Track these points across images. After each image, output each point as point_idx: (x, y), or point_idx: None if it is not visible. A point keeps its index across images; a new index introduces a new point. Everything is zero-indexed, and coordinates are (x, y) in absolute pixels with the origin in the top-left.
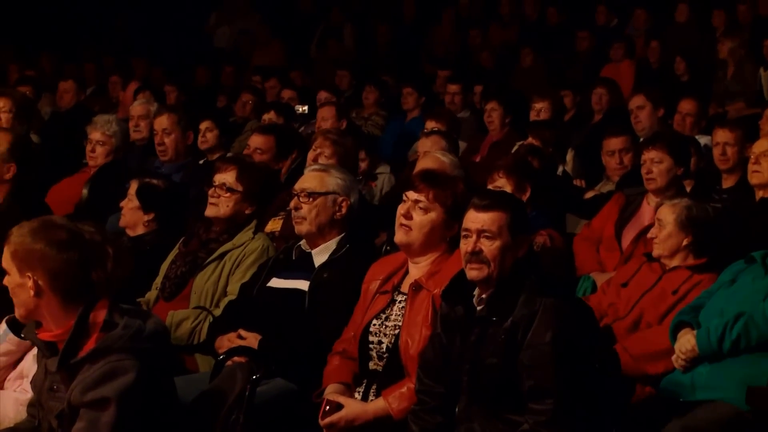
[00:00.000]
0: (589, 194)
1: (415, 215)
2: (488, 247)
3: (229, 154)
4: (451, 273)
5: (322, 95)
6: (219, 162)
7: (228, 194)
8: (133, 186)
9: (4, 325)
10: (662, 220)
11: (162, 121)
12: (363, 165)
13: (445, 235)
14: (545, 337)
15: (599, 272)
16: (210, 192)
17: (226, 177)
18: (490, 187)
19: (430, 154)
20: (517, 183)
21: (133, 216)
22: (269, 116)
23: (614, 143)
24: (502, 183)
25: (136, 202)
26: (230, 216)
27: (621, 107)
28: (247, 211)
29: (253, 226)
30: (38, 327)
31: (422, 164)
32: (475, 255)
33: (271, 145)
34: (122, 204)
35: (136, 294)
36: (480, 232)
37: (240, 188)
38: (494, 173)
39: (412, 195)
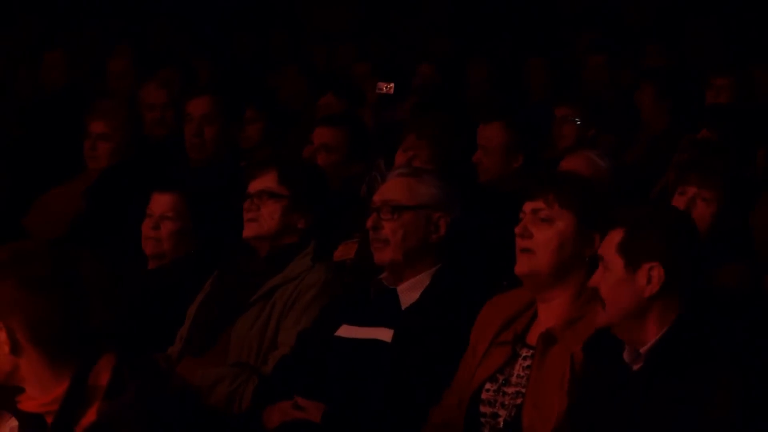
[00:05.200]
0: None
1: (536, 231)
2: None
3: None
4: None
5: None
6: (251, 167)
7: (271, 201)
8: (162, 200)
9: None
10: None
11: (201, 105)
12: None
13: (583, 252)
14: (724, 426)
15: None
16: (246, 206)
17: (266, 182)
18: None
19: (581, 153)
20: (724, 199)
21: (158, 246)
22: (327, 101)
23: None
24: (708, 196)
25: (171, 225)
26: (277, 232)
27: None
28: (299, 224)
29: (310, 251)
30: (19, 393)
31: (566, 166)
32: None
33: (342, 141)
34: (147, 228)
35: (153, 347)
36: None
37: (286, 192)
38: (689, 176)
39: (527, 206)
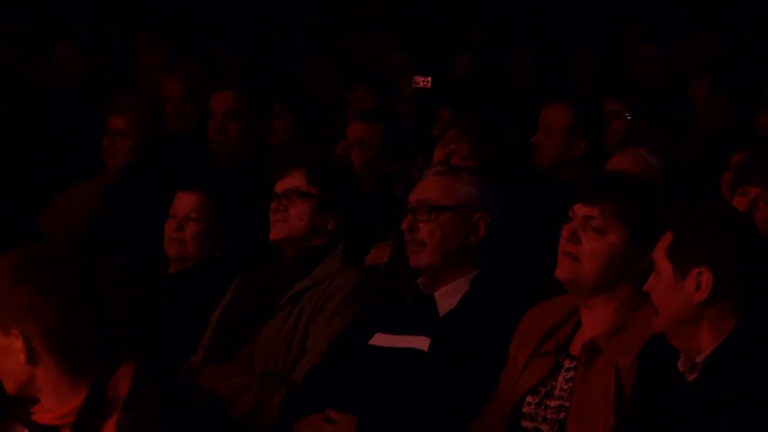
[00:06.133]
0: None
1: (586, 239)
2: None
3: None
4: (646, 330)
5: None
6: (279, 165)
7: (300, 201)
8: (187, 200)
9: None
10: None
11: (225, 99)
12: None
13: (631, 270)
14: None
15: None
16: (273, 206)
17: (294, 181)
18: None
19: (630, 150)
20: None
21: (182, 248)
22: (358, 95)
23: None
24: None
25: (196, 227)
26: (306, 233)
27: None
28: (329, 225)
29: (340, 252)
30: (33, 404)
31: (615, 163)
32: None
33: (378, 136)
34: (170, 230)
35: (175, 356)
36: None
37: (315, 191)
38: (751, 175)
39: (580, 209)
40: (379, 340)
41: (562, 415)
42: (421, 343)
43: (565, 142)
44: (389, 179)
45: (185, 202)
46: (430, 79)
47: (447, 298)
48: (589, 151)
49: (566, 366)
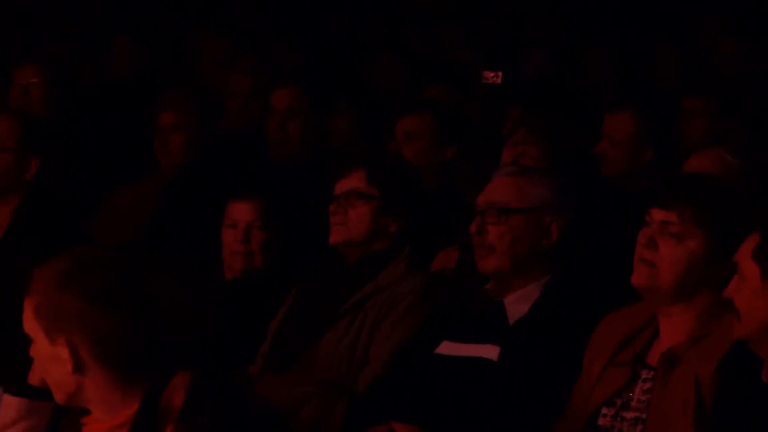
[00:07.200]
0: None
1: (663, 245)
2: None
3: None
4: (726, 339)
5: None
6: (338, 166)
7: (360, 203)
8: (247, 209)
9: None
10: None
11: (285, 96)
12: None
13: (711, 277)
14: None
15: None
16: (332, 208)
17: (354, 182)
18: None
19: (710, 150)
20: None
21: (250, 260)
22: (434, 93)
23: None
24: None
25: (263, 236)
26: (367, 237)
27: None
28: (392, 228)
29: (405, 257)
30: (85, 415)
31: (694, 164)
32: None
33: (425, 125)
34: (236, 242)
35: (233, 367)
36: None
37: (376, 192)
38: None
39: (657, 214)
40: (446, 348)
41: (639, 428)
42: (490, 351)
43: (630, 150)
44: (447, 168)
45: (245, 211)
46: (500, 74)
47: (517, 304)
48: (657, 156)
49: (643, 376)
